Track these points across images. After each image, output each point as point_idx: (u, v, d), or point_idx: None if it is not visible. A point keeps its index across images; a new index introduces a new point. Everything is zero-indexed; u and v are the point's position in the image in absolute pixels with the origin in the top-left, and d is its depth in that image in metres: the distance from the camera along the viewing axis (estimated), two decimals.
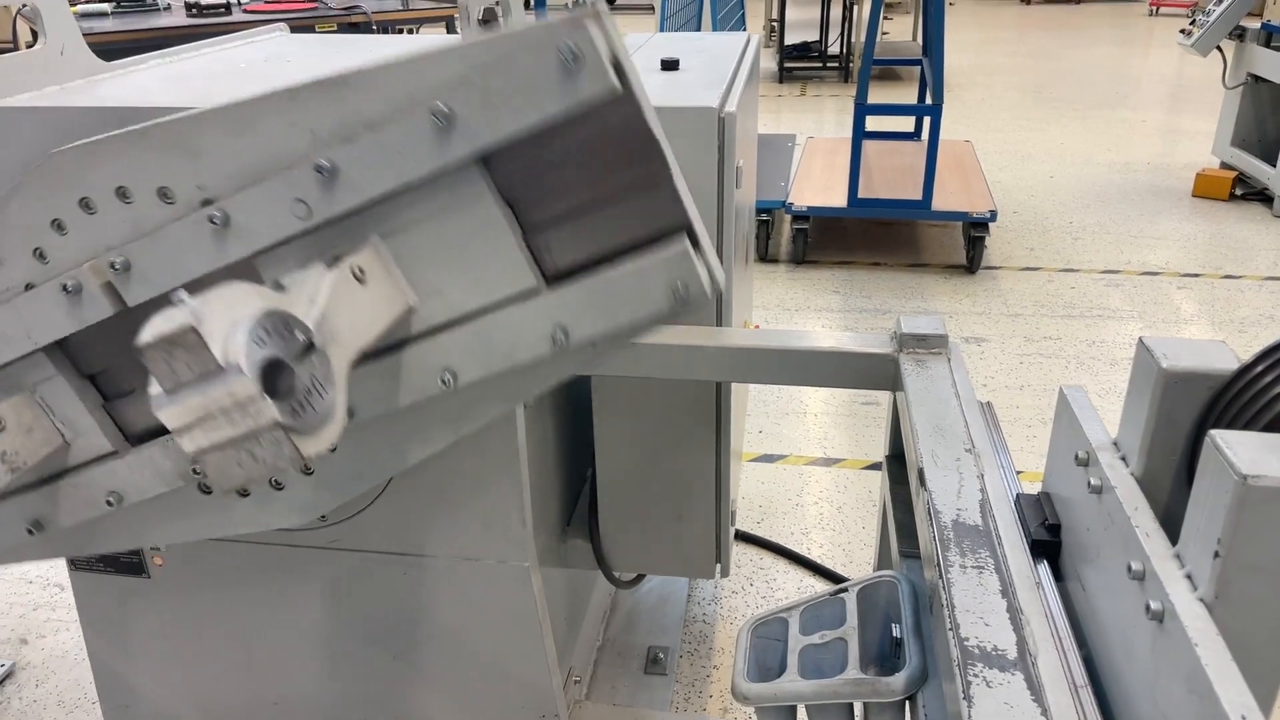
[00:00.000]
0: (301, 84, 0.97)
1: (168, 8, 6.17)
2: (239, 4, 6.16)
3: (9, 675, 2.21)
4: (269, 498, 1.24)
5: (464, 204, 0.99)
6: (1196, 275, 4.43)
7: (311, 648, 1.65)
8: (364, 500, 1.47)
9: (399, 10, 6.44)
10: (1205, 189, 5.51)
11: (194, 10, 5.80)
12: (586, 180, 0.97)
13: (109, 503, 1.23)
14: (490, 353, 1.06)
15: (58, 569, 2.57)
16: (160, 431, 1.21)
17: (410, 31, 7.01)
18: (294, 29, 2.15)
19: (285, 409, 0.79)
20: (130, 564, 1.65)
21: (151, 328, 0.78)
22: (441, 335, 1.07)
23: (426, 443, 1.18)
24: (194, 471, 1.20)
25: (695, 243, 0.98)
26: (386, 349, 1.08)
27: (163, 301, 1.08)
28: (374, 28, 6.02)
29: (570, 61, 0.87)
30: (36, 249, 1.09)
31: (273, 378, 0.80)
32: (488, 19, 1.24)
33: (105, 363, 1.20)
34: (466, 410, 1.15)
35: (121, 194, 1.04)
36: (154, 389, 0.79)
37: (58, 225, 1.07)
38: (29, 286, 1.10)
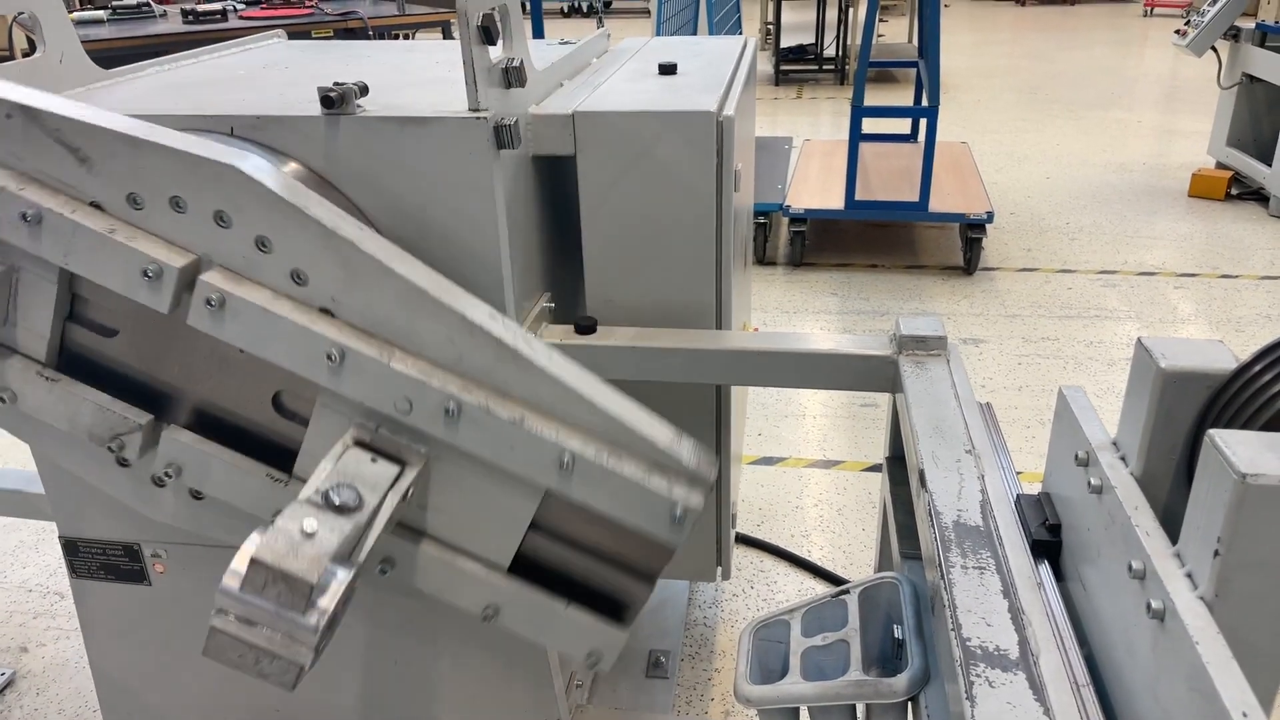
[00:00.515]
0: (482, 323, 1.05)
1: (164, 15, 6.18)
2: (235, 11, 6.17)
3: (9, 684, 2.21)
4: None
5: (515, 488, 1.10)
6: (1193, 275, 4.44)
7: (330, 654, 1.64)
8: None
9: (395, 16, 6.46)
10: (1201, 189, 5.52)
11: (190, 17, 5.81)
12: (607, 545, 1.14)
13: (1, 399, 1.18)
14: (432, 579, 1.16)
15: (58, 576, 2.57)
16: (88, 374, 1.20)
17: (407, 37, 7.02)
18: (290, 35, 2.16)
19: (313, 655, 0.91)
20: (131, 571, 1.65)
21: (276, 553, 0.88)
22: (411, 537, 1.15)
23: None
24: (109, 449, 1.19)
25: (625, 620, 1.18)
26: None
27: (210, 340, 1.09)
28: (370, 34, 6.03)
29: (675, 520, 1.07)
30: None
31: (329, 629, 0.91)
32: (486, 25, 1.24)
33: (97, 296, 1.18)
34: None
35: (260, 243, 1.04)
36: (232, 574, 0.89)
37: (176, 203, 1.05)
38: (94, 204, 1.07)
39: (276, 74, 1.63)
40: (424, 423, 1.05)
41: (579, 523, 1.13)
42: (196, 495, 1.23)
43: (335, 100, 1.24)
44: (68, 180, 1.04)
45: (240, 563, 0.88)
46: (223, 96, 1.44)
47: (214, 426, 1.19)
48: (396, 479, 1.04)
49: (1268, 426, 0.80)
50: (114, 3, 6.19)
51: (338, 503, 0.95)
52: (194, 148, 1.01)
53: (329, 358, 1.03)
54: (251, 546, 0.88)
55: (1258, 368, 0.84)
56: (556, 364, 1.06)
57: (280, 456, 1.16)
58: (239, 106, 1.33)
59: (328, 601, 0.88)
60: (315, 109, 1.27)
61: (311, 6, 6.42)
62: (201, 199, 1.02)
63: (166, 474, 1.17)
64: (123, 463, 1.25)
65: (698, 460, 1.10)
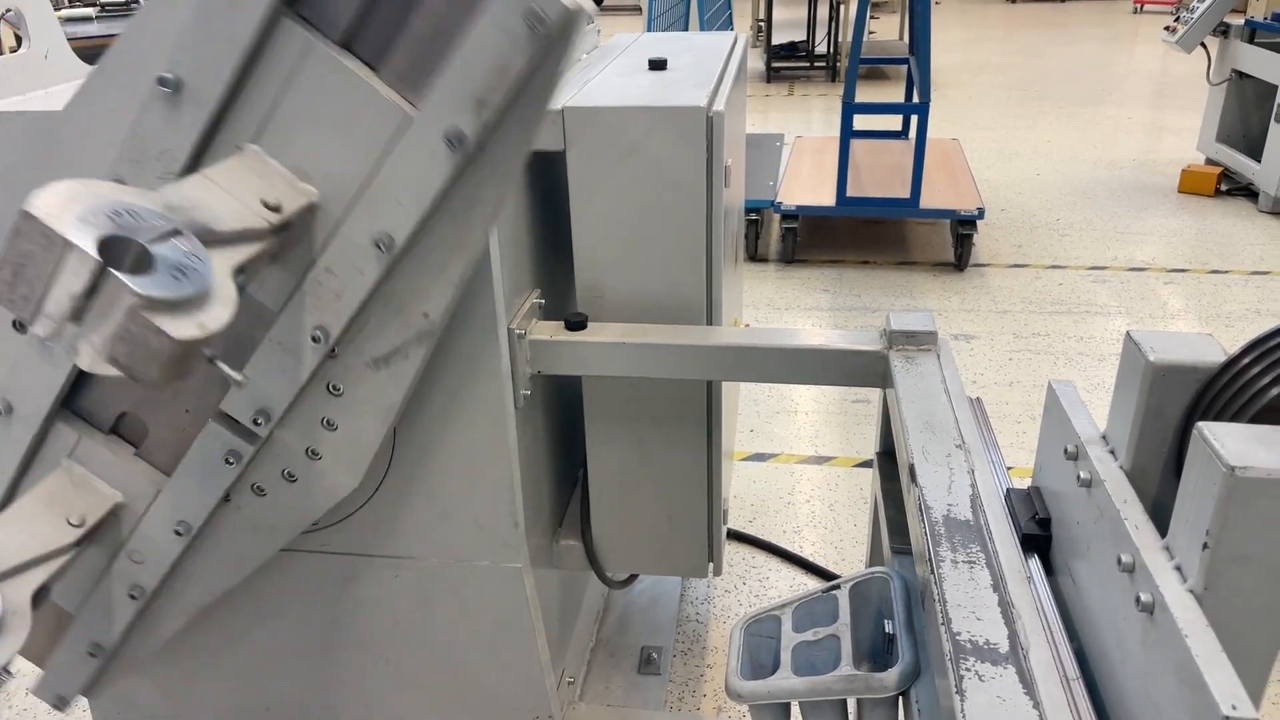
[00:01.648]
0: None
1: None
2: None
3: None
4: (290, 489, 1.26)
5: (302, 67, 0.98)
6: (1183, 270, 4.46)
7: (303, 652, 1.64)
8: (354, 503, 1.46)
9: None
10: (1191, 185, 5.54)
11: None
12: None
13: (178, 533, 1.27)
14: (406, 197, 1.03)
15: None
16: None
17: None
18: None
19: (145, 283, 0.76)
20: None
21: None
22: (355, 209, 1.05)
23: (404, 371, 1.17)
24: (228, 461, 1.21)
25: None
26: (318, 253, 1.08)
27: None
28: None
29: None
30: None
31: (122, 257, 0.77)
32: None
33: (117, 407, 1.20)
34: (427, 285, 1.12)
35: None
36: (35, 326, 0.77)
37: None
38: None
39: None
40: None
41: None
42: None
43: None
44: None
45: None
46: None
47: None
48: None
49: (1257, 419, 0.81)
50: (102, 0, 6.15)
51: None
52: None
53: None
54: None
55: (1246, 360, 0.84)
56: None
57: None
58: None
59: (71, 225, 0.75)
60: None
61: None
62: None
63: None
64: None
65: None
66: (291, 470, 1.25)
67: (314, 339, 1.12)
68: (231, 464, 1.21)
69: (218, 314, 0.82)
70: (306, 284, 1.10)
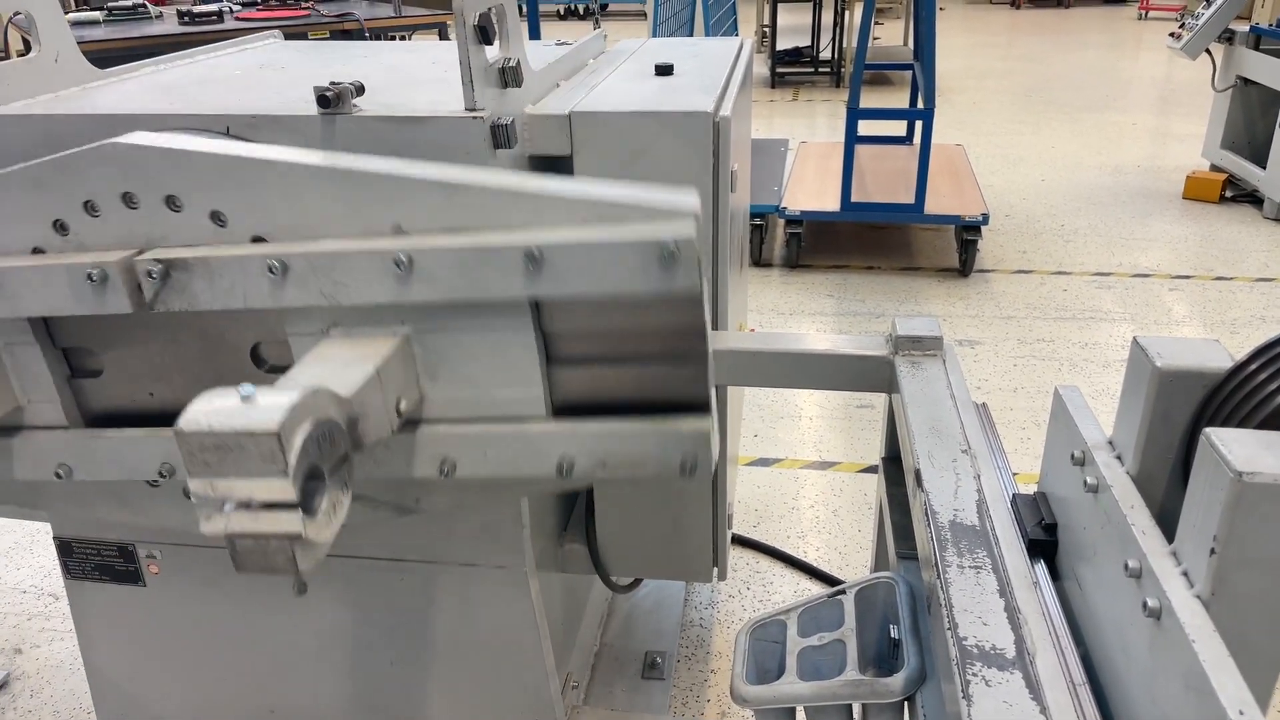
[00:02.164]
0: (409, 174, 1.00)
1: (159, 16, 6.16)
2: (231, 12, 6.16)
3: (3, 685, 2.20)
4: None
5: (505, 326, 1.04)
6: (1188, 277, 4.45)
7: (308, 655, 1.64)
8: None
9: (391, 18, 6.45)
10: (1195, 191, 5.54)
11: (186, 18, 5.80)
12: (630, 346, 1.04)
13: (58, 475, 1.23)
14: (492, 459, 1.10)
15: (52, 578, 2.56)
16: (116, 421, 1.22)
17: (403, 39, 7.02)
18: (286, 36, 2.15)
19: (303, 521, 0.83)
20: (126, 572, 1.64)
21: (227, 416, 0.80)
22: (449, 425, 1.11)
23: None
24: (160, 475, 1.20)
25: (703, 409, 1.05)
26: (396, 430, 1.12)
27: (185, 314, 1.09)
28: (366, 35, 6.02)
29: (668, 258, 0.94)
30: (58, 220, 1.08)
31: (310, 488, 0.84)
32: (483, 25, 1.24)
33: (83, 342, 1.20)
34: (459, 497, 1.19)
35: (171, 202, 1.05)
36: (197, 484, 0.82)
37: (90, 207, 1.06)
38: (36, 250, 1.10)
39: (273, 74, 1.63)
40: (382, 291, 1.00)
41: (592, 334, 1.03)
42: None
43: (331, 100, 1.24)
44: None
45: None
46: (218, 96, 1.44)
47: None
48: (367, 355, 1.01)
49: (1264, 425, 0.81)
50: (110, 3, 6.18)
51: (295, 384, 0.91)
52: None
53: (271, 271, 1.01)
54: (189, 425, 0.80)
55: (1254, 366, 0.84)
56: (500, 177, 1.00)
57: None
58: (235, 106, 1.33)
59: (290, 454, 0.80)
60: (311, 108, 1.27)
61: (308, 8, 6.42)
62: (106, 194, 1.03)
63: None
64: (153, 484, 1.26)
65: (674, 195, 0.98)
66: None
67: None
68: None
69: (331, 528, 0.86)
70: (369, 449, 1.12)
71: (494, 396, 1.08)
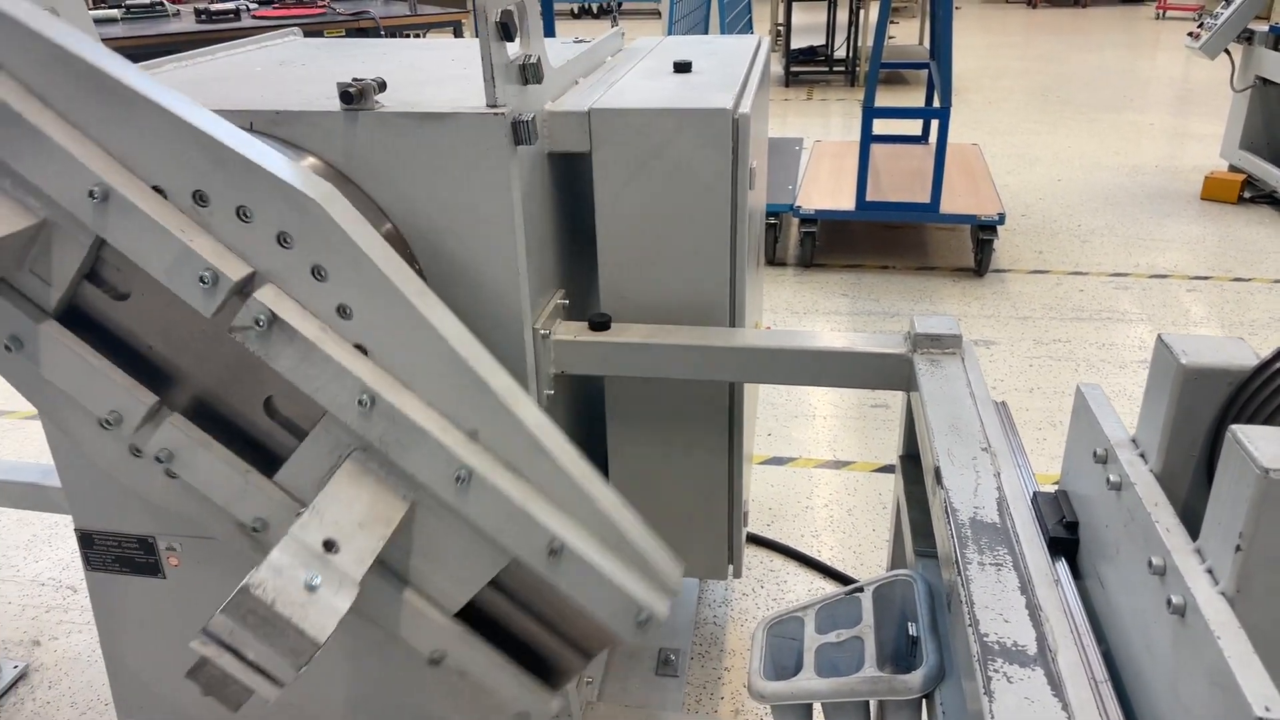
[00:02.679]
0: (510, 409, 1.09)
1: (177, 14, 6.20)
2: (248, 10, 6.19)
3: (22, 676, 2.22)
4: None
5: (489, 551, 1.13)
6: (1206, 278, 4.42)
7: (328, 648, 1.65)
8: None
9: (407, 15, 6.48)
10: (1213, 192, 5.50)
11: (203, 16, 5.84)
12: (558, 619, 1.18)
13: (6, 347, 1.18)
14: (378, 609, 1.19)
15: (70, 571, 2.58)
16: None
17: (418, 36, 7.04)
18: (303, 34, 2.17)
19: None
20: (146, 564, 1.66)
21: (288, 601, 0.93)
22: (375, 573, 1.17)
23: None
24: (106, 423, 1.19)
25: (556, 686, 1.23)
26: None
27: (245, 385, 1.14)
28: (382, 33, 6.05)
29: (640, 622, 1.13)
30: (198, 192, 1.04)
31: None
32: (504, 22, 1.24)
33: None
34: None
35: (316, 272, 1.05)
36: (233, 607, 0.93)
37: (242, 213, 1.05)
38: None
39: (294, 70, 1.64)
40: (429, 479, 1.08)
41: (542, 595, 1.17)
42: (171, 475, 1.23)
43: (354, 96, 1.25)
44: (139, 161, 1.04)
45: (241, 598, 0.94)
46: (241, 92, 1.45)
47: (204, 414, 1.18)
48: (389, 522, 1.09)
49: None
50: (128, 2, 6.22)
51: (336, 548, 1.01)
52: (279, 169, 1.02)
53: (360, 403, 1.05)
54: (259, 589, 0.93)
55: (1279, 364, 0.84)
56: (567, 455, 1.12)
57: (257, 453, 1.17)
58: (257, 102, 1.34)
59: (314, 650, 0.95)
60: (334, 104, 1.28)
61: (324, 6, 6.45)
62: (268, 216, 1.03)
63: (158, 458, 1.16)
64: (135, 451, 1.24)
65: (672, 571, 1.17)
66: None
67: None
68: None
69: (326, 627, 0.97)
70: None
71: (430, 576, 1.17)
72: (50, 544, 2.71)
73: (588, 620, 1.16)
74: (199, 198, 1.03)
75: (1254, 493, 0.70)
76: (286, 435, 1.15)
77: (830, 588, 2.48)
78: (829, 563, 2.55)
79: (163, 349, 1.16)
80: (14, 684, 2.20)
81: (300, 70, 1.64)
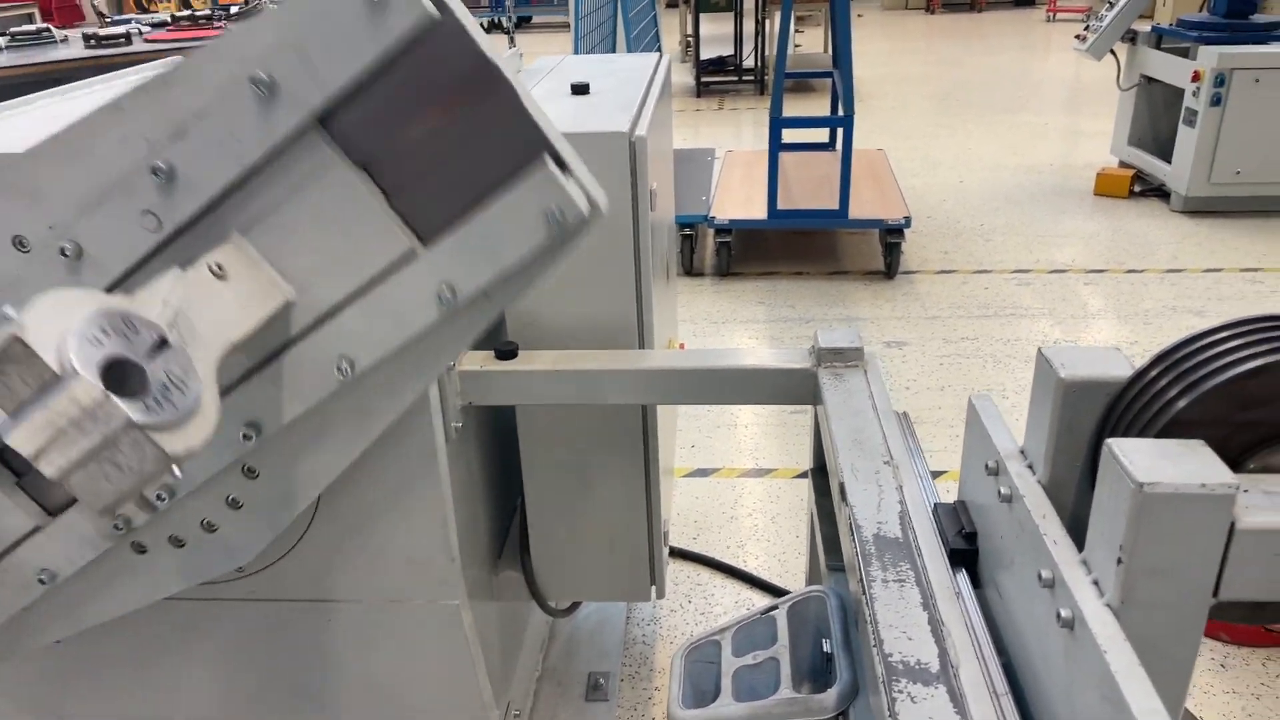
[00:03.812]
0: (125, 92, 0.93)
1: (65, 40, 5.94)
2: (140, 34, 5.97)
3: None
4: (202, 542, 1.20)
5: (316, 178, 0.95)
6: (1102, 271, 4.61)
7: (233, 704, 1.58)
8: (281, 548, 1.42)
9: None
10: (1106, 187, 5.74)
11: (92, 42, 5.61)
12: (433, 124, 0.93)
13: (42, 581, 1.18)
14: (381, 330, 1.02)
15: None
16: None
17: None
18: None
19: (139, 407, 0.75)
20: None
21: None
22: (328, 324, 1.03)
23: (344, 447, 1.15)
24: (116, 528, 1.14)
25: (562, 165, 0.94)
26: (276, 351, 1.04)
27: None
28: None
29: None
30: None
31: (120, 378, 0.76)
32: None
33: None
34: (375, 402, 1.11)
35: (18, 243, 0.98)
36: None
37: None
38: None
39: None
40: (174, 215, 0.95)
41: (393, 128, 0.93)
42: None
43: None
44: None
45: None
46: None
47: None
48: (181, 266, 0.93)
49: (1165, 432, 0.83)
50: (12, 29, 5.94)
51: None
52: None
53: (63, 254, 0.96)
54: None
55: (1154, 373, 0.86)
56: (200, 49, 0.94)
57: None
58: None
59: (63, 346, 0.74)
60: None
61: (221, 28, 6.26)
62: None
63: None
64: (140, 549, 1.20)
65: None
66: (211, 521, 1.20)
67: (245, 436, 1.08)
68: (120, 530, 1.15)
69: (198, 432, 0.80)
70: (254, 379, 1.05)
71: (354, 255, 0.99)
72: None
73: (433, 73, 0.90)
74: None
75: (1131, 506, 0.72)
76: None
77: (758, 598, 2.49)
78: (755, 573, 2.56)
79: None
80: None
81: None
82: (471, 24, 0.91)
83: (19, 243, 0.98)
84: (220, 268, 0.95)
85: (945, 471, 2.97)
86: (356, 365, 1.04)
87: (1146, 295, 4.31)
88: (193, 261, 0.94)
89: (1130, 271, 4.59)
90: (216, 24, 6.36)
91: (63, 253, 0.96)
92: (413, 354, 1.05)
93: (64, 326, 0.75)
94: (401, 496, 1.40)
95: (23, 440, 0.74)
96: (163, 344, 0.80)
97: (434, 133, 0.93)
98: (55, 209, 0.97)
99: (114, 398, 0.74)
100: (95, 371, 0.74)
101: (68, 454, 0.75)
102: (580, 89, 1.71)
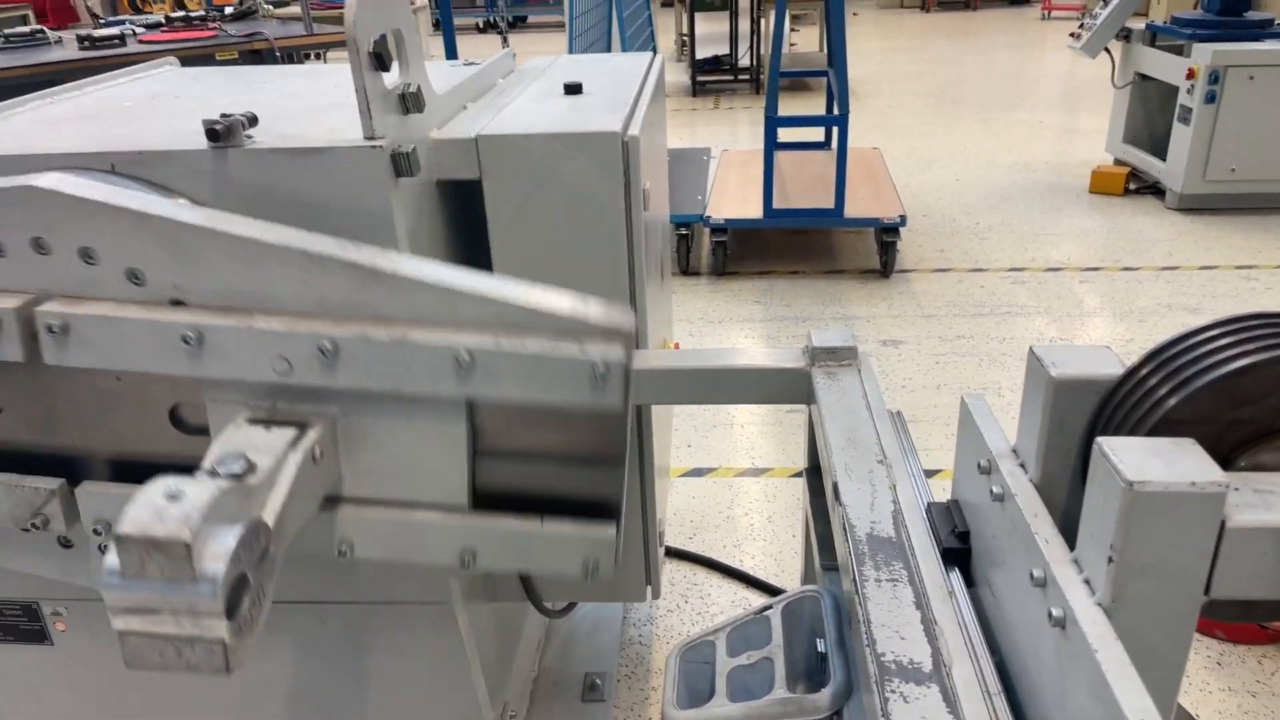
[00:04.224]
0: (331, 253, 0.99)
1: (59, 41, 5.93)
2: (134, 35, 5.96)
3: None
4: None
5: (435, 415, 1.05)
6: (1097, 269, 4.61)
7: (226, 707, 1.58)
8: None
9: (303, 36, 6.32)
10: (1101, 185, 5.75)
11: (86, 43, 5.59)
12: (556, 443, 1.08)
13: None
14: (395, 543, 1.11)
15: None
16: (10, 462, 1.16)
17: (317, 57, 6.88)
18: (193, 58, 2.09)
19: (234, 629, 0.81)
20: (31, 631, 1.56)
21: (139, 523, 0.78)
22: (349, 509, 1.10)
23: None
24: (34, 526, 1.15)
25: (613, 516, 1.10)
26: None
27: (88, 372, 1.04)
28: (277, 55, 5.89)
29: (598, 378, 1.01)
30: None
31: (236, 597, 0.82)
32: (378, 52, 1.21)
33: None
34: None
35: (85, 254, 1.01)
36: (110, 562, 0.80)
37: None
38: None
39: (164, 104, 1.57)
40: (308, 375, 1.00)
41: (519, 431, 1.08)
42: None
43: (221, 133, 1.20)
44: None
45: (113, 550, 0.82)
46: (104, 131, 1.38)
47: (130, 470, 1.15)
48: (295, 441, 1.00)
49: (1156, 430, 0.83)
50: (6, 31, 5.92)
51: (222, 472, 0.91)
52: None
53: (185, 341, 0.99)
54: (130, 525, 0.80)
55: (1144, 371, 0.86)
56: (429, 270, 1.02)
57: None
58: (120, 142, 1.27)
59: (217, 563, 0.79)
60: (202, 142, 1.23)
61: (215, 28, 6.24)
62: (14, 232, 0.98)
63: (96, 531, 1.13)
64: (64, 542, 1.22)
65: (609, 314, 1.04)
66: None
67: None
68: None
69: (249, 645, 0.86)
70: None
71: (415, 483, 1.09)
72: None
73: (576, 422, 1.05)
74: (39, 244, 1.00)
75: (1121, 505, 0.72)
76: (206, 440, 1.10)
77: (755, 598, 2.49)
78: (751, 572, 2.56)
79: (61, 437, 1.12)
80: None
81: (172, 104, 1.58)
82: (630, 414, 1.06)
83: (134, 275, 1.01)
84: (320, 454, 1.02)
85: (941, 470, 2.97)
86: (354, 551, 1.12)
87: (1142, 293, 4.31)
88: (300, 435, 1.01)
89: (1125, 269, 4.59)
90: (210, 25, 6.34)
91: (185, 340, 1.00)
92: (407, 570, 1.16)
93: (223, 539, 0.80)
94: None
95: (118, 600, 0.79)
96: (266, 553, 0.86)
97: (548, 456, 1.09)
98: (192, 281, 1.01)
99: (223, 620, 0.80)
100: (225, 597, 0.79)
101: (148, 626, 0.80)
102: (573, 89, 1.71)
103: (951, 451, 3.10)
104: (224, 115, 1.22)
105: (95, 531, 1.14)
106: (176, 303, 1.01)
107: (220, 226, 1.00)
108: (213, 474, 0.90)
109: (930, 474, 2.92)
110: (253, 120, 1.26)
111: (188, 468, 1.11)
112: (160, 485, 0.83)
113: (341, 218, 1.25)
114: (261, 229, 1.01)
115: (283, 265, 1.00)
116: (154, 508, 0.80)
